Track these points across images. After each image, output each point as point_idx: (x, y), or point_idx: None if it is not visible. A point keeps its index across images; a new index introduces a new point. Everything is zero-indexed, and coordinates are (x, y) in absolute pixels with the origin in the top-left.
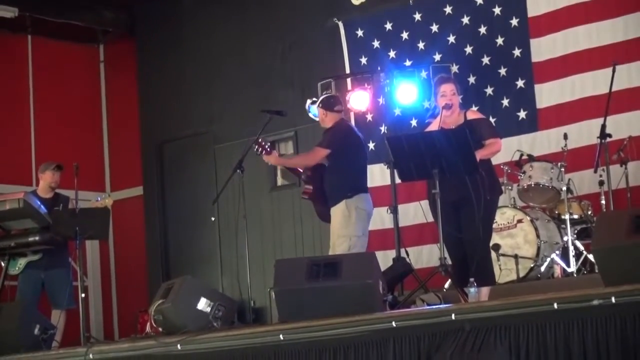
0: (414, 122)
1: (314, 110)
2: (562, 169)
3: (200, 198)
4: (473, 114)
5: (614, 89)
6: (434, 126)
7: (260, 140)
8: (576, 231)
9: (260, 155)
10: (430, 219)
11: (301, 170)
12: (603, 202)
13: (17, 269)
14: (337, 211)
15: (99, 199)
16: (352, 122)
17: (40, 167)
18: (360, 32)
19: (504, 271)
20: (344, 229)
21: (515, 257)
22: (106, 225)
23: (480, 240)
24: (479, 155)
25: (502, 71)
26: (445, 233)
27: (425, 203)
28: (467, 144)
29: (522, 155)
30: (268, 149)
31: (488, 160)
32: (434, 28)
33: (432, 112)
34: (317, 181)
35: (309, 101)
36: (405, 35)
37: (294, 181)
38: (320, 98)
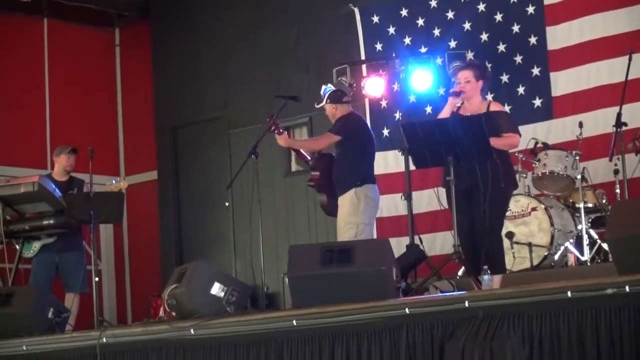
0: (428, 109)
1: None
2: (577, 157)
3: (214, 183)
4: (496, 106)
5: (630, 77)
6: (444, 114)
7: (275, 118)
8: (590, 220)
9: (273, 134)
10: (445, 206)
11: (309, 157)
12: (618, 190)
13: (32, 252)
14: (346, 199)
15: (114, 182)
16: (367, 108)
17: (56, 150)
18: (375, 18)
19: (518, 259)
20: (352, 216)
21: (529, 245)
22: (120, 209)
23: (491, 229)
24: (494, 143)
25: (518, 59)
26: (458, 221)
27: (439, 190)
28: (481, 131)
29: (537, 143)
30: (281, 130)
31: (505, 152)
32: (450, 15)
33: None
34: (325, 170)
35: (324, 86)
36: (420, 21)
37: (308, 167)
38: (327, 95)
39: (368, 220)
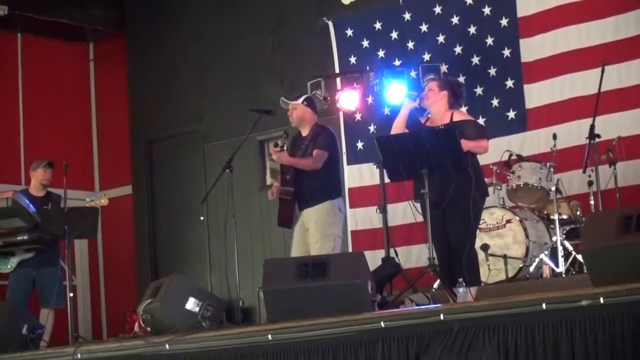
0: None
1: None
2: (551, 169)
3: (190, 197)
4: (460, 115)
5: (603, 89)
6: (399, 117)
7: (286, 138)
8: (565, 231)
9: (275, 150)
10: (420, 218)
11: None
12: (592, 202)
13: (8, 267)
14: (322, 210)
15: (94, 198)
16: (341, 121)
17: (32, 164)
18: (349, 32)
19: (493, 271)
20: (329, 228)
21: (504, 257)
22: (95, 224)
23: (465, 241)
24: (464, 145)
25: (492, 71)
26: (432, 233)
27: (414, 202)
28: (456, 143)
29: (511, 155)
30: (285, 148)
31: (476, 161)
32: (424, 28)
33: (422, 111)
34: (294, 184)
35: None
36: (394, 34)
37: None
38: (304, 97)
39: (342, 233)
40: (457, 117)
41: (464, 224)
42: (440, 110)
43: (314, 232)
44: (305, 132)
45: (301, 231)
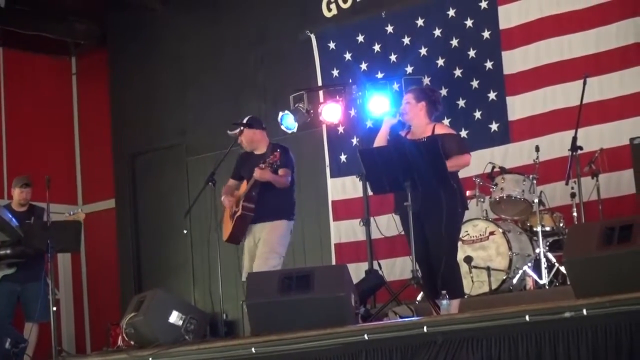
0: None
1: (286, 122)
2: (534, 181)
3: (173, 210)
4: (442, 128)
5: (585, 101)
6: (380, 134)
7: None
8: (548, 243)
9: (262, 166)
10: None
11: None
12: (575, 214)
13: None
14: (278, 227)
15: (72, 213)
16: (324, 134)
17: (13, 181)
18: (332, 45)
19: (476, 283)
20: (280, 246)
21: (488, 269)
22: (78, 238)
23: (448, 253)
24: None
25: (474, 83)
26: (414, 246)
27: (396, 216)
28: (438, 155)
29: (494, 167)
30: (273, 167)
31: (455, 173)
32: (406, 40)
33: (402, 125)
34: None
35: (281, 113)
36: (377, 47)
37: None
38: (245, 120)
39: (284, 254)
40: (439, 130)
41: (448, 237)
42: (421, 123)
43: (264, 245)
44: (260, 151)
45: (253, 249)
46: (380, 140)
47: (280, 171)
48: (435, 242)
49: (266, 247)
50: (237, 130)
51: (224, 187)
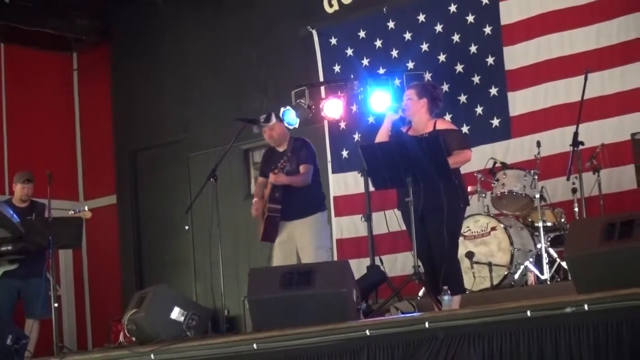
0: None
1: (288, 118)
2: (535, 177)
3: (174, 206)
4: (443, 123)
5: (587, 96)
6: (382, 129)
7: (286, 158)
8: (549, 239)
9: (272, 173)
10: (405, 227)
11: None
12: (576, 209)
13: None
14: (312, 223)
15: (78, 210)
16: (326, 130)
17: (14, 177)
18: (333, 40)
19: (478, 279)
20: (322, 240)
21: (489, 264)
22: (79, 234)
23: (449, 249)
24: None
25: (476, 79)
26: (416, 242)
27: (398, 211)
28: (440, 151)
29: (495, 162)
30: (285, 169)
31: (457, 169)
32: (408, 36)
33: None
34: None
35: (283, 109)
36: (378, 43)
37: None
38: (274, 115)
39: (331, 244)
40: (440, 125)
41: (449, 233)
42: (422, 119)
43: (307, 245)
44: (282, 147)
45: (285, 245)
46: (382, 136)
47: (302, 168)
48: (437, 238)
49: (310, 246)
50: (271, 123)
51: (255, 186)
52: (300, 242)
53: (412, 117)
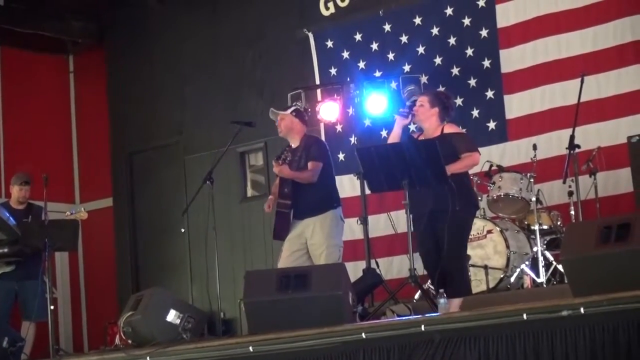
0: (384, 133)
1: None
2: (532, 180)
3: (170, 209)
4: (450, 127)
5: (583, 99)
6: (393, 134)
7: (287, 148)
8: (546, 242)
9: (276, 164)
10: (400, 230)
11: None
12: (572, 212)
13: None
14: (324, 221)
15: (73, 211)
16: (322, 133)
17: (12, 179)
18: (329, 43)
19: (474, 282)
20: (334, 238)
21: (485, 267)
22: (75, 237)
23: (451, 253)
24: (451, 168)
25: (472, 82)
26: (421, 244)
27: (395, 214)
28: (436, 155)
29: (491, 165)
30: (287, 160)
31: (465, 174)
32: (404, 39)
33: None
34: (292, 196)
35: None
36: (375, 46)
37: (264, 192)
38: (295, 107)
39: (342, 242)
40: (448, 129)
41: (449, 236)
42: (432, 125)
43: (319, 242)
44: (295, 143)
45: (295, 241)
46: (393, 140)
47: (310, 164)
48: (442, 240)
49: (322, 244)
50: (283, 112)
51: (272, 186)
52: (310, 240)
53: (422, 124)
